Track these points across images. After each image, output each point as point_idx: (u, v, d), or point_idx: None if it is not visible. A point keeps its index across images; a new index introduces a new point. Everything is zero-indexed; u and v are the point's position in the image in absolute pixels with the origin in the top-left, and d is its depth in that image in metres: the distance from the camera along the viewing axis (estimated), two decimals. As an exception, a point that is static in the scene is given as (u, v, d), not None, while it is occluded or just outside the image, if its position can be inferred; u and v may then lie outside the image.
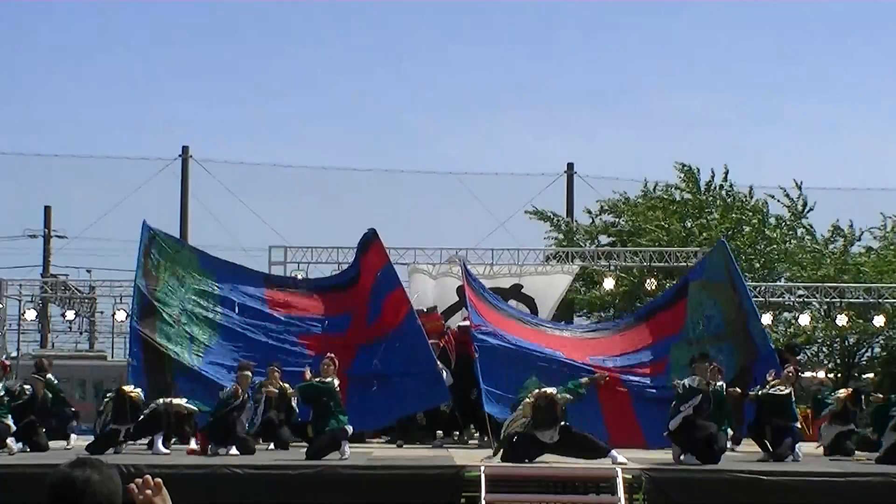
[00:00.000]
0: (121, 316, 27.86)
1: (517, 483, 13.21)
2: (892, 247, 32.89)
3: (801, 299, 29.72)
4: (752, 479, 13.20)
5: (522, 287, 26.10)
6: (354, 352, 18.01)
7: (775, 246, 31.96)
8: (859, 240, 33.52)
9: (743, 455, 16.27)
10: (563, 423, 14.31)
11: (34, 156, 49.38)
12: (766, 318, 24.73)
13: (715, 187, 33.86)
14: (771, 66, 72.40)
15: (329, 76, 74.41)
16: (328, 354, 15.59)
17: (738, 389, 16.16)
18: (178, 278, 18.87)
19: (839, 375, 31.85)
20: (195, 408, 16.57)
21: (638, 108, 71.89)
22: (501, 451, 14.49)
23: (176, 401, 16.47)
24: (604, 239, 34.24)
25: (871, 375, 32.70)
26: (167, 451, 15.81)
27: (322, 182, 43.80)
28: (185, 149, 38.06)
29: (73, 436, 17.97)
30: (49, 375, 17.80)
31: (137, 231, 19.23)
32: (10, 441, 15.74)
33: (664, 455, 14.81)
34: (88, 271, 41.02)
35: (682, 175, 33.88)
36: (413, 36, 75.52)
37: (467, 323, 18.61)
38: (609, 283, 28.80)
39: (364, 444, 17.80)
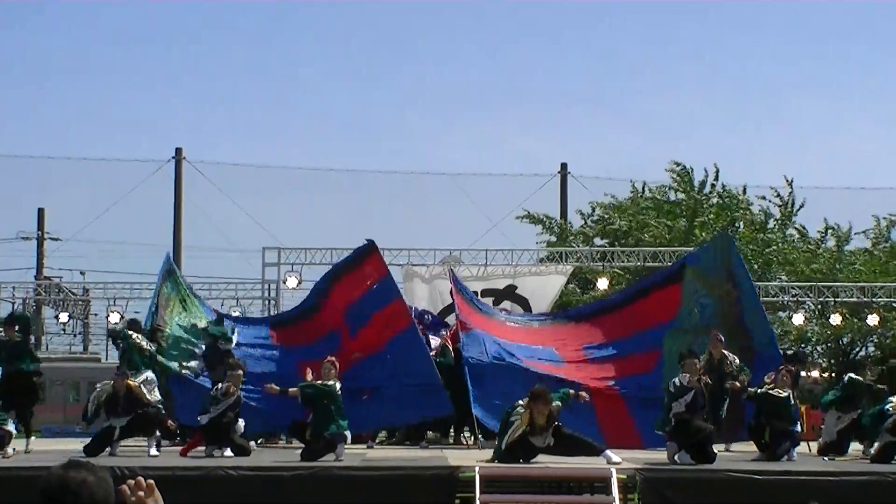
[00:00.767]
0: (115, 318, 27.83)
1: (512, 483, 13.20)
2: (884, 245, 32.99)
3: (794, 298, 29.76)
4: (746, 478, 13.20)
5: (517, 288, 26.10)
6: (350, 365, 17.82)
7: (775, 247, 32.01)
8: (851, 239, 33.62)
9: (738, 455, 16.26)
10: (556, 424, 14.31)
11: (28, 158, 49.52)
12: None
13: (708, 187, 33.96)
14: (768, 66, 72.52)
15: (323, 78, 74.43)
16: (329, 358, 15.41)
17: (738, 384, 16.08)
18: (185, 309, 18.91)
19: (833, 374, 31.89)
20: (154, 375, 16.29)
21: (631, 108, 71.98)
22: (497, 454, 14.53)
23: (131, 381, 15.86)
24: (598, 241, 34.28)
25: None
26: (157, 453, 15.65)
27: (316, 183, 43.90)
28: (178, 150, 38.06)
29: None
30: None
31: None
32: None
33: (658, 455, 14.81)
34: (82, 273, 41.04)
35: (677, 175, 33.94)
36: (408, 37, 75.57)
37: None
38: (603, 284, 28.81)
39: (364, 444, 17.74)
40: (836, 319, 28.64)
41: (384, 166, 66.76)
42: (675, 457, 14.31)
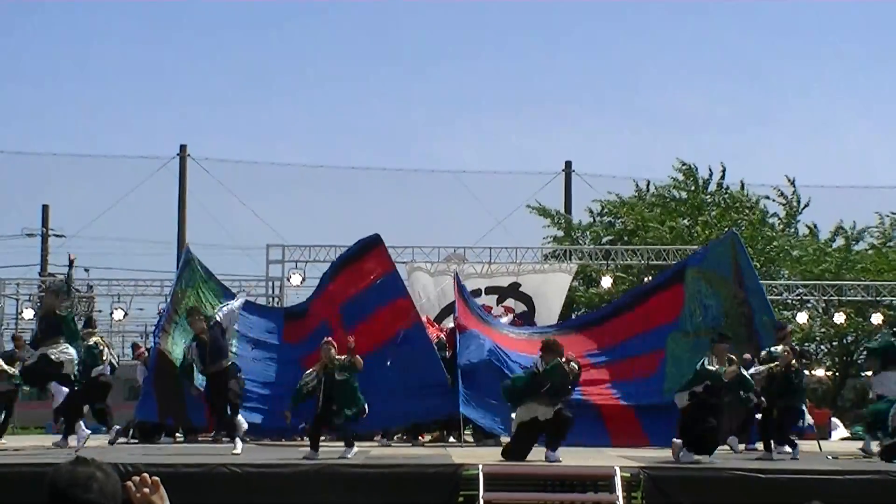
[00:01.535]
0: (118, 315, 27.86)
1: (515, 481, 13.19)
2: (890, 243, 32.98)
3: (799, 297, 29.74)
4: (750, 477, 13.19)
5: (521, 286, 26.09)
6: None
7: (776, 244, 32.00)
8: (860, 239, 33.61)
9: (742, 454, 16.25)
10: (558, 407, 14.37)
11: (32, 155, 49.52)
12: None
13: (713, 186, 33.94)
14: (769, 64, 72.45)
15: (327, 75, 74.42)
16: (326, 339, 14.93)
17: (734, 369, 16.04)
18: (199, 300, 18.83)
19: (837, 373, 31.90)
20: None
21: (636, 106, 71.94)
22: (504, 447, 14.60)
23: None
24: (604, 238, 34.29)
25: (869, 373, 32.70)
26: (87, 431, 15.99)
27: (320, 180, 43.94)
28: (182, 147, 38.10)
29: None
30: None
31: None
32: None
33: (663, 453, 14.80)
34: (86, 270, 41.01)
35: (682, 173, 33.93)
36: (411, 35, 75.58)
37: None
38: (607, 282, 28.80)
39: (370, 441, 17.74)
40: (839, 318, 28.63)
41: (388, 164, 67.01)
42: (680, 454, 14.31)
